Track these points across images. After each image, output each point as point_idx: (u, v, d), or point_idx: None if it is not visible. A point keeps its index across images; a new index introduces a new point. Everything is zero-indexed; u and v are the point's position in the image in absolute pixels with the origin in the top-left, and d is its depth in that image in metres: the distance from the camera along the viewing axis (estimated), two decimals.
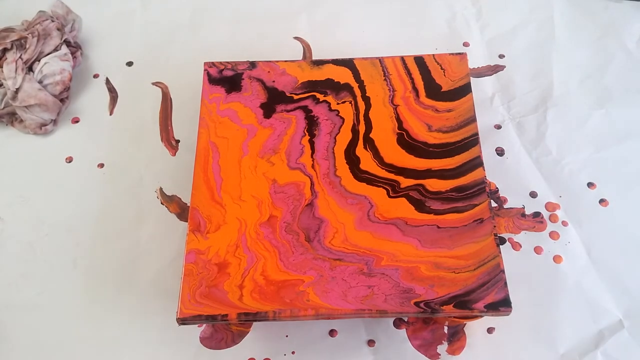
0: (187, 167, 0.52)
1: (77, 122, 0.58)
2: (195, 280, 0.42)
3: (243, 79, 0.51)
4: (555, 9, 0.63)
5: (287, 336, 0.47)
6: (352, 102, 0.50)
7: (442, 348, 0.46)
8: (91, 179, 0.54)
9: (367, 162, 0.47)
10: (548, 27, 0.62)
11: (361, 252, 0.43)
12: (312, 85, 0.51)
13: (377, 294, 0.41)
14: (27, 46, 0.56)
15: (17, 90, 0.55)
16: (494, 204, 0.52)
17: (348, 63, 0.52)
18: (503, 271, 0.41)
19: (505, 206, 0.52)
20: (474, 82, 0.55)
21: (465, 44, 0.61)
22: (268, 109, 0.50)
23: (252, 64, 0.52)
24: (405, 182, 0.46)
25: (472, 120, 0.48)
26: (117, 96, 0.60)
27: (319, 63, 0.52)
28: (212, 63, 0.52)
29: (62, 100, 0.58)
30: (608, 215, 0.51)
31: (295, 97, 0.50)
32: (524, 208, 0.52)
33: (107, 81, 0.61)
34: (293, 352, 0.46)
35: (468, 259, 0.42)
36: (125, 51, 0.63)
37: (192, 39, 0.63)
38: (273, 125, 0.49)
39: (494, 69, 0.60)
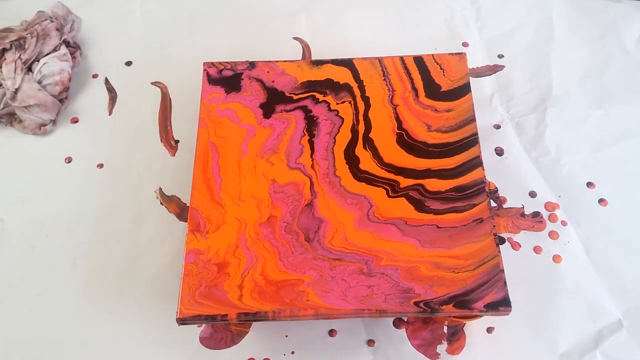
0: (187, 167, 0.52)
1: (76, 122, 0.58)
2: (195, 280, 0.42)
3: (242, 79, 0.51)
4: (554, 8, 0.63)
5: (286, 336, 0.47)
6: (352, 102, 0.50)
7: (442, 348, 0.46)
8: (91, 179, 0.54)
9: (367, 162, 0.47)
10: (547, 27, 0.62)
11: (361, 252, 0.43)
12: (311, 85, 0.51)
13: (376, 293, 0.41)
14: (26, 46, 0.56)
15: (16, 91, 0.55)
16: (493, 204, 0.52)
17: (347, 63, 0.52)
18: (502, 271, 0.41)
19: (504, 206, 0.52)
20: (473, 82, 0.55)
21: (465, 44, 0.62)
22: (267, 109, 0.50)
23: (252, 64, 0.52)
24: (404, 182, 0.46)
25: (472, 120, 0.48)
26: (116, 96, 0.60)
27: (319, 63, 0.52)
28: (212, 63, 0.52)
29: (61, 101, 0.58)
30: (607, 215, 0.51)
31: (295, 97, 0.50)
32: (523, 208, 0.52)
33: (106, 81, 0.61)
34: (293, 352, 0.46)
35: (467, 258, 0.42)
36: (125, 51, 0.63)
37: (192, 39, 0.63)
38: (272, 125, 0.49)
39: (493, 69, 0.60)
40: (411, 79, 0.51)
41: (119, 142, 0.57)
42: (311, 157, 0.47)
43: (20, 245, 0.51)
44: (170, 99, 0.59)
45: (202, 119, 0.49)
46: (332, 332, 0.47)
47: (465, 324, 0.47)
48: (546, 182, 0.53)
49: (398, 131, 0.48)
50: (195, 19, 0.65)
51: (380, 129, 0.48)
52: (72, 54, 0.60)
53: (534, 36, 0.62)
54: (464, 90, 0.50)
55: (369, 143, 0.48)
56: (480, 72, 0.60)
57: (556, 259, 0.49)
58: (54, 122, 0.57)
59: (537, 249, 0.50)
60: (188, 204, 0.47)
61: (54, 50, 0.58)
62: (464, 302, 0.40)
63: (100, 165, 0.55)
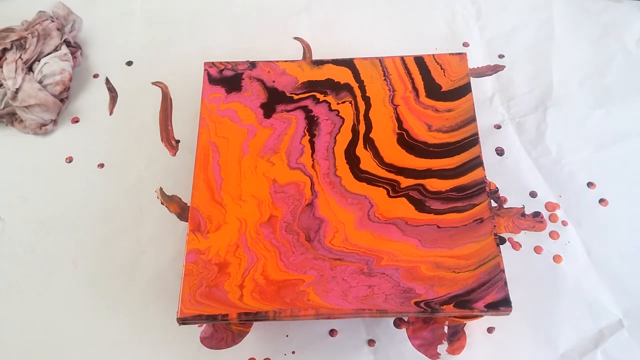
0: (187, 167, 0.52)
1: (77, 122, 0.58)
2: (195, 280, 0.42)
3: (243, 79, 0.51)
4: (555, 9, 0.63)
5: (287, 336, 0.47)
6: (352, 102, 0.50)
7: (442, 348, 0.46)
8: (91, 179, 0.54)
9: (367, 162, 0.47)
10: (548, 27, 0.62)
11: (361, 252, 0.43)
12: (312, 85, 0.51)
13: (377, 293, 0.41)
14: (27, 46, 0.56)
15: (17, 91, 0.55)
16: (493, 204, 0.52)
17: (348, 63, 0.52)
18: (503, 271, 0.41)
19: (505, 206, 0.52)
20: (474, 82, 0.55)
21: (465, 44, 0.62)
22: (268, 109, 0.50)
23: (252, 64, 0.52)
24: (405, 182, 0.46)
25: (472, 120, 0.48)
26: (117, 96, 0.60)
27: (319, 63, 0.52)
28: (212, 63, 0.52)
29: (62, 100, 0.58)
30: (608, 215, 0.51)
31: (296, 97, 0.50)
32: (523, 208, 0.52)
33: (107, 81, 0.61)
34: (293, 352, 0.46)
35: (468, 258, 0.42)
36: (125, 51, 0.63)
37: (192, 39, 0.63)
38: (273, 125, 0.49)
39: (494, 69, 0.60)
40: (412, 79, 0.51)
41: (119, 141, 0.57)
42: (312, 157, 0.47)
43: (21, 245, 0.51)
44: (170, 98, 0.59)
45: (203, 118, 0.49)
46: (332, 332, 0.47)
47: (465, 323, 0.47)
48: (547, 182, 0.53)
49: (399, 131, 0.48)
50: (196, 18, 0.65)
51: (380, 129, 0.48)
52: (72, 53, 0.60)
53: (535, 36, 0.62)
54: (464, 90, 0.50)
55: (369, 143, 0.48)
56: (481, 72, 0.60)
57: (557, 259, 0.49)
58: (54, 121, 0.57)
59: (537, 249, 0.50)
60: (189, 204, 0.47)
61: (55, 50, 0.58)
62: (465, 302, 0.40)
63: (101, 165, 0.55)
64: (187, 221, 0.45)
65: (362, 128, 0.49)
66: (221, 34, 0.63)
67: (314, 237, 0.43)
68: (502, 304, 0.40)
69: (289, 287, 0.41)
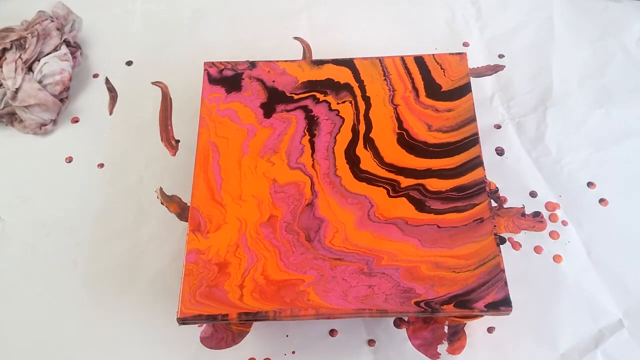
0: (187, 167, 0.52)
1: (76, 122, 0.58)
2: (195, 280, 0.42)
3: (243, 79, 0.51)
4: (555, 8, 0.63)
5: (287, 336, 0.47)
6: (352, 102, 0.50)
7: (443, 347, 0.46)
8: (91, 179, 0.54)
9: (367, 162, 0.47)
10: (548, 27, 0.62)
11: (361, 252, 0.43)
12: (312, 85, 0.51)
13: (377, 293, 0.41)
14: (27, 46, 0.56)
15: (16, 90, 0.55)
16: (494, 204, 0.52)
17: (348, 63, 0.52)
18: (503, 271, 0.41)
19: (505, 206, 0.52)
20: (474, 82, 0.55)
21: (465, 44, 0.62)
22: (268, 109, 0.50)
23: (252, 64, 0.52)
24: (405, 181, 0.46)
25: (472, 120, 0.48)
26: (116, 96, 0.60)
27: (319, 63, 0.52)
28: (212, 63, 0.52)
29: (61, 100, 0.58)
30: (608, 215, 0.51)
31: (296, 97, 0.50)
32: (523, 208, 0.52)
33: (107, 81, 0.61)
34: (293, 352, 0.46)
35: (468, 258, 0.42)
36: (125, 51, 0.62)
37: (192, 39, 0.63)
38: (273, 125, 0.49)
39: (494, 69, 0.60)
40: (412, 78, 0.51)
41: (119, 141, 0.57)
42: (312, 156, 0.47)
43: (21, 245, 0.51)
44: (170, 98, 0.59)
45: (203, 118, 0.49)
46: (332, 332, 0.47)
47: (465, 323, 0.47)
48: (547, 182, 0.53)
49: (399, 131, 0.48)
50: (196, 18, 0.65)
51: (380, 129, 0.48)
52: (72, 53, 0.60)
53: (535, 36, 0.62)
54: (464, 90, 0.50)
55: (369, 143, 0.48)
56: (481, 72, 0.60)
57: (557, 258, 0.49)
58: (54, 121, 0.57)
59: (537, 249, 0.50)
60: (189, 204, 0.47)
61: (55, 50, 0.58)
62: (465, 302, 0.40)
63: (101, 165, 0.55)
64: (187, 221, 0.45)
65: (362, 128, 0.49)
66: (221, 34, 0.63)
67: (314, 237, 0.43)
68: (502, 304, 0.40)
69: (289, 287, 0.41)
